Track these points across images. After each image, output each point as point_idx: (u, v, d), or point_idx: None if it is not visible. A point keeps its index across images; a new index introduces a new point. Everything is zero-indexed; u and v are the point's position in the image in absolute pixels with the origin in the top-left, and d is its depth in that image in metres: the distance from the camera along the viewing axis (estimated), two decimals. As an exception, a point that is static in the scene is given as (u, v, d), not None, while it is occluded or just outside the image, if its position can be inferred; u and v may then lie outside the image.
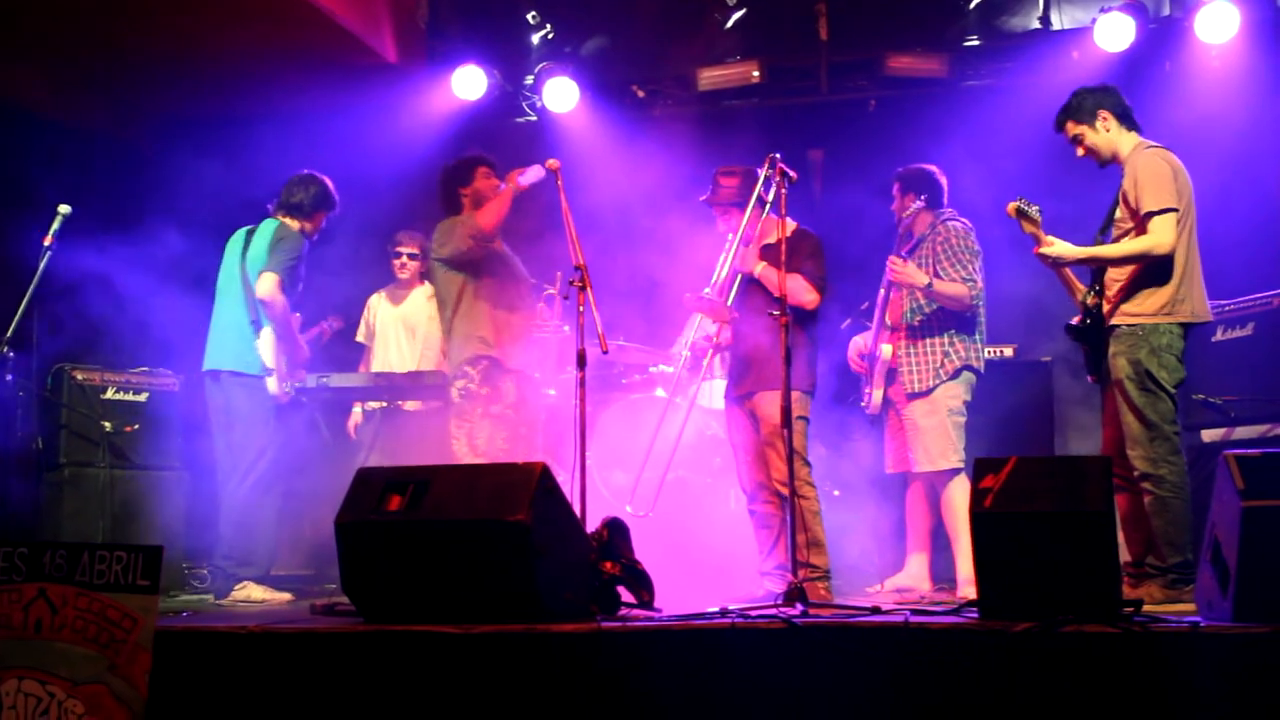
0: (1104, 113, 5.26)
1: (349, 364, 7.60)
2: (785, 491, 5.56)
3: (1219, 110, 6.94)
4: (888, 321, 6.34)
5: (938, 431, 6.10)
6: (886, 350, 6.27)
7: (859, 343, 6.55)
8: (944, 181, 6.39)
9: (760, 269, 5.77)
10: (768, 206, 5.61)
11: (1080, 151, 5.34)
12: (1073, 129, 5.31)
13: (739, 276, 5.88)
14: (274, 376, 6.27)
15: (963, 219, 6.27)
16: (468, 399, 6.28)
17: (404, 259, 7.55)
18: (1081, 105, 5.30)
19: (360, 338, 7.67)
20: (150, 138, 7.39)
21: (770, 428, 5.64)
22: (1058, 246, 5.17)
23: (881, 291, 6.35)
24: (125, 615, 3.63)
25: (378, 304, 7.68)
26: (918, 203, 6.28)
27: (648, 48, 8.42)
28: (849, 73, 8.24)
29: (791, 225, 5.83)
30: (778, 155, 5.35)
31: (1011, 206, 5.19)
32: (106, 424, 6.78)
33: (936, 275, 6.12)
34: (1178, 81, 7.30)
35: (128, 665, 3.58)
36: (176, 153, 7.40)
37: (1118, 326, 5.10)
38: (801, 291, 5.74)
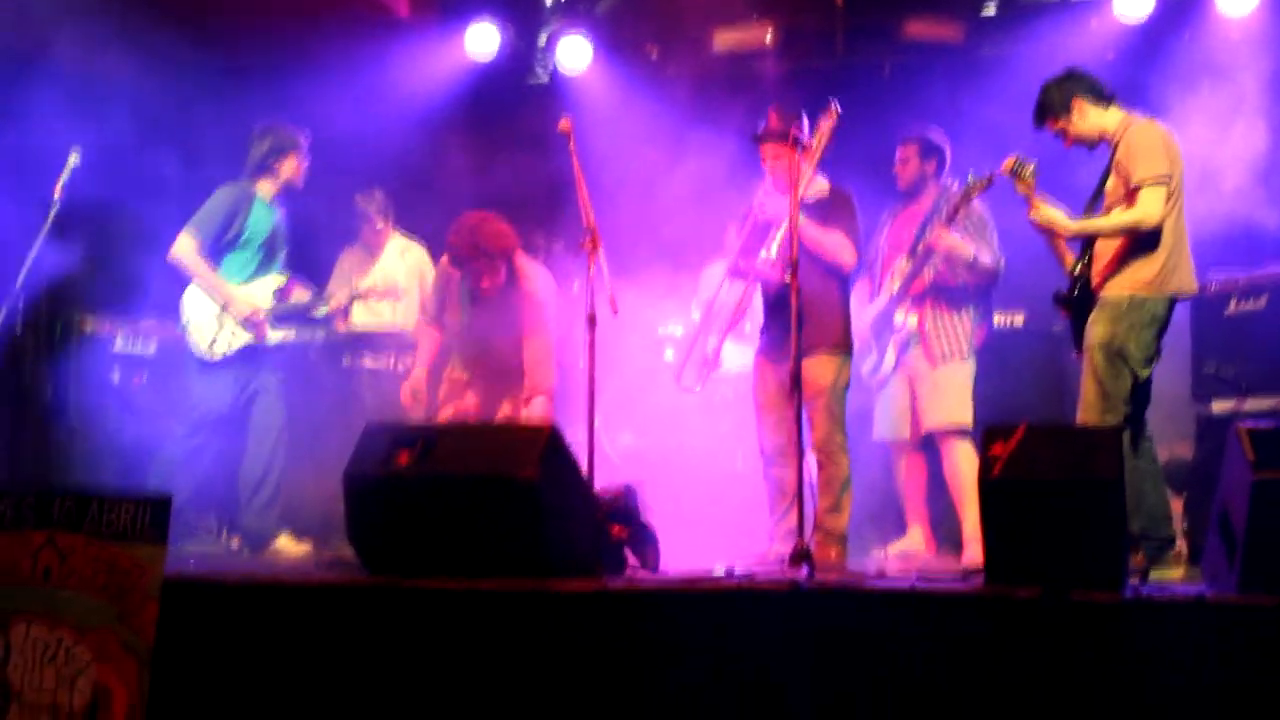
0: (1076, 100, 5.24)
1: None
2: (821, 457, 5.62)
3: (1238, 83, 6.88)
4: (907, 290, 6.29)
5: (959, 392, 6.13)
6: (912, 319, 6.25)
7: (856, 310, 6.52)
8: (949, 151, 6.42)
9: (803, 223, 5.56)
10: (818, 158, 5.49)
11: (1067, 142, 5.33)
12: (1052, 125, 5.31)
13: (779, 228, 5.74)
14: (193, 331, 6.30)
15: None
16: None
17: (373, 220, 7.50)
18: (1051, 101, 5.28)
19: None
20: (159, 89, 7.33)
21: (817, 390, 5.60)
22: (1051, 214, 5.17)
23: (904, 260, 6.30)
24: (134, 564, 3.63)
25: (348, 266, 7.62)
26: (930, 169, 6.28)
27: (662, 7, 8.34)
28: (865, 37, 8.18)
29: (825, 183, 5.81)
30: (835, 102, 5.30)
31: (1007, 164, 5.21)
32: (114, 374, 6.78)
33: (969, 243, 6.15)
34: (1197, 54, 7.24)
35: (135, 614, 3.59)
36: (186, 105, 7.35)
37: (1104, 297, 5.10)
38: (842, 249, 5.71)
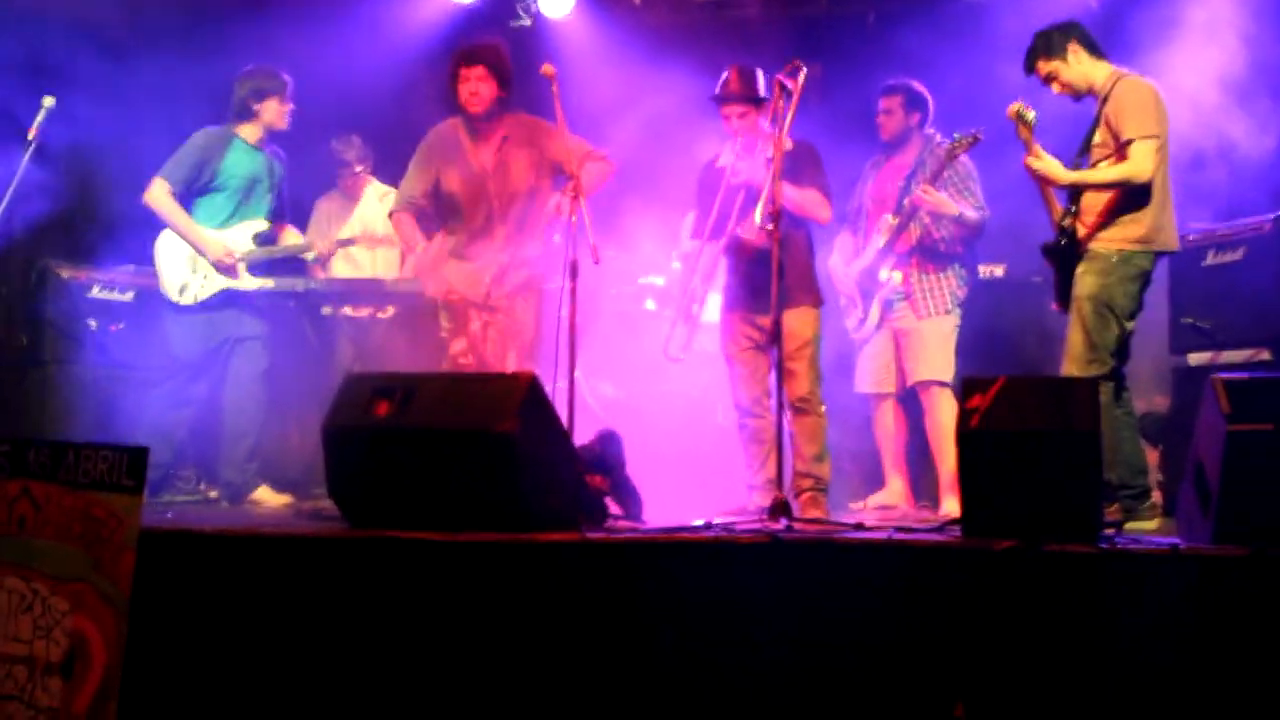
0: (1073, 45, 5.23)
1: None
2: (806, 408, 5.62)
3: (1214, 36, 6.85)
4: (893, 246, 6.28)
5: (944, 346, 6.19)
6: (897, 276, 6.25)
7: (840, 266, 6.51)
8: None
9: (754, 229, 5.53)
10: (790, 117, 5.42)
11: (1056, 88, 5.30)
12: (1044, 67, 5.28)
13: (748, 187, 5.66)
14: (165, 277, 6.30)
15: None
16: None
17: (353, 166, 7.45)
18: (1050, 42, 5.26)
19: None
20: (138, 33, 7.24)
21: (801, 341, 5.62)
22: (1047, 163, 5.16)
23: (890, 219, 6.29)
24: (110, 514, 3.61)
25: (326, 214, 7.56)
26: (915, 120, 6.28)
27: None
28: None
29: (789, 140, 5.77)
30: (799, 62, 5.24)
31: (1012, 108, 5.18)
32: (91, 322, 6.74)
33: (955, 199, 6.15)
34: (1176, 6, 7.20)
35: (111, 565, 3.57)
36: (164, 49, 7.26)
37: (1093, 250, 5.11)
38: (819, 206, 5.70)
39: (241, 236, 6.33)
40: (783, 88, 5.18)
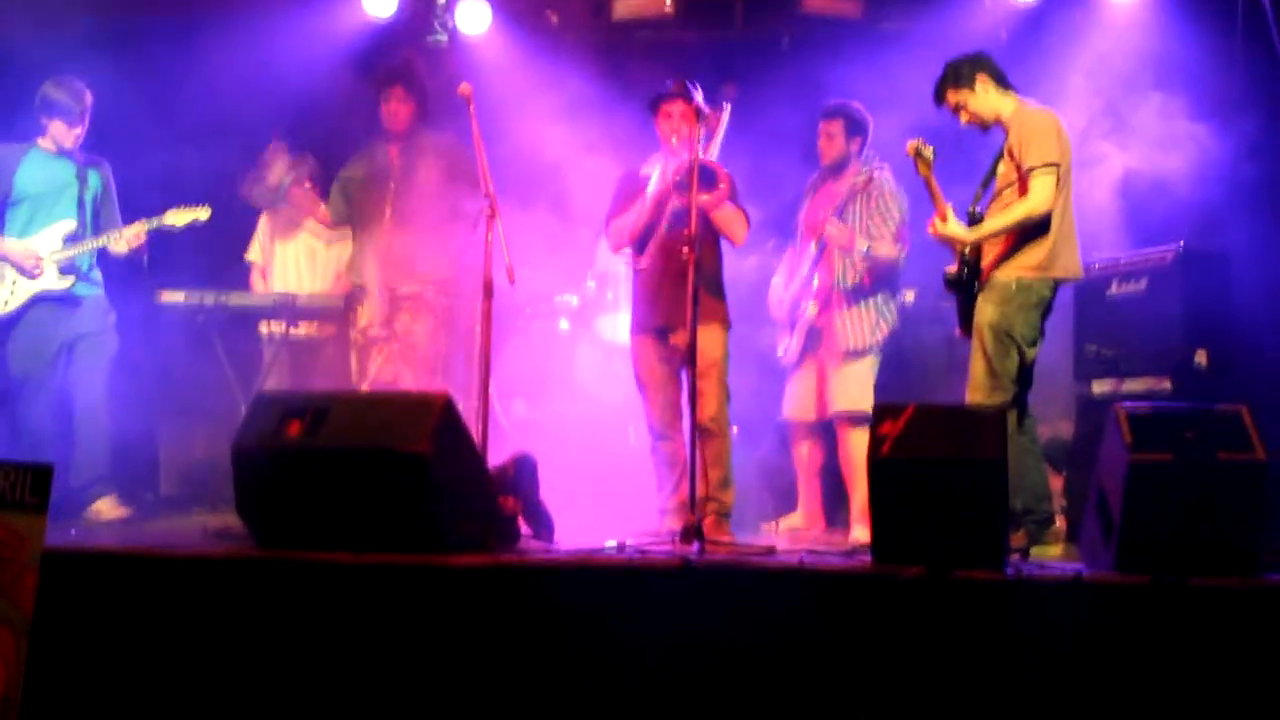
0: (982, 76, 5.33)
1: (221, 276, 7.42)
2: (714, 429, 5.55)
3: (1121, 66, 7.02)
4: (816, 278, 6.32)
5: (861, 380, 6.17)
6: (813, 309, 6.27)
7: (779, 289, 6.55)
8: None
9: (705, 199, 5.46)
10: (720, 137, 5.49)
11: (964, 118, 5.39)
12: (954, 97, 5.37)
13: (669, 205, 5.65)
14: None
15: (889, 170, 6.29)
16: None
17: (305, 183, 7.41)
18: (959, 72, 5.35)
19: (252, 256, 7.50)
20: (43, 44, 7.09)
21: (710, 362, 5.53)
22: (951, 228, 5.25)
23: (812, 248, 6.33)
24: (11, 534, 3.54)
25: (270, 228, 7.51)
26: (855, 147, 6.31)
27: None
28: (764, 9, 8.19)
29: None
30: (732, 88, 5.32)
31: (911, 145, 5.24)
32: None
33: (868, 234, 6.16)
34: (1083, 36, 7.37)
35: (13, 585, 3.49)
36: (66, 62, 7.11)
37: (993, 279, 5.21)
38: (741, 226, 5.71)
39: (48, 239, 6.16)
40: (715, 107, 5.31)
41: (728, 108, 5.66)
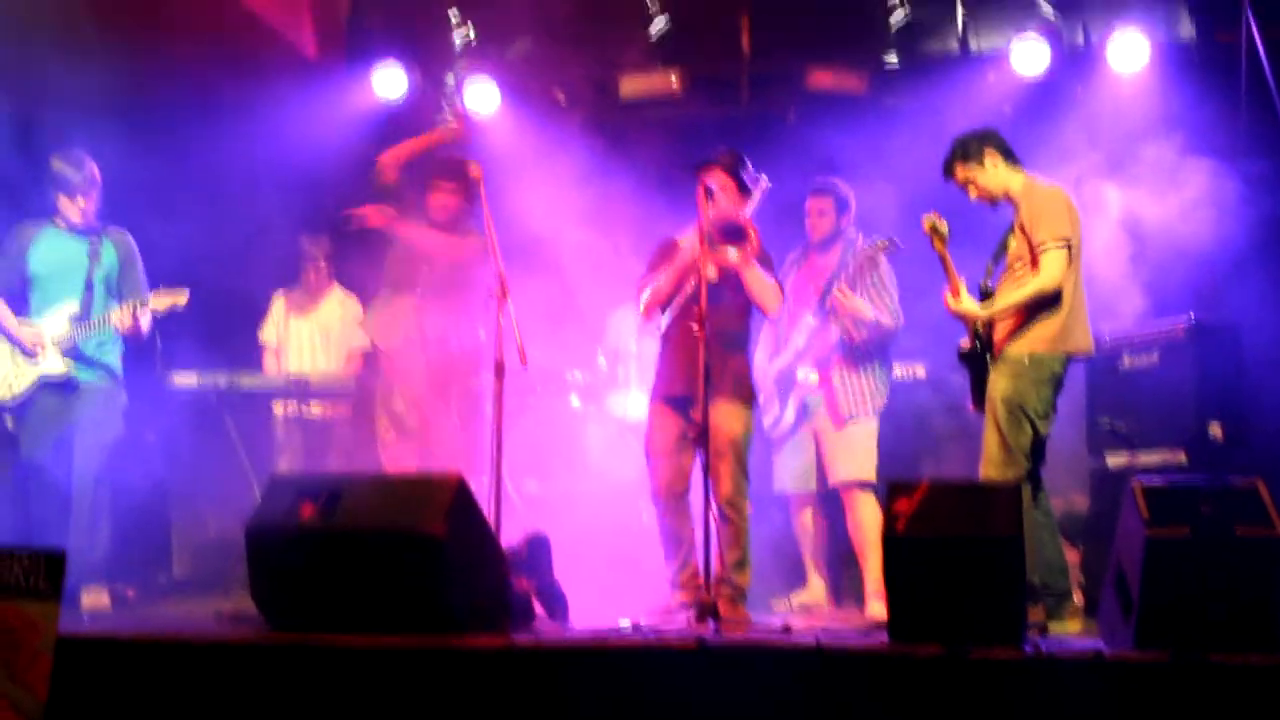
0: (990, 152, 5.37)
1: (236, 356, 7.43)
2: (730, 513, 5.41)
3: (1129, 137, 7.07)
4: (811, 347, 6.34)
5: (865, 447, 6.21)
6: (813, 376, 6.30)
7: (763, 361, 6.55)
8: None
9: (734, 254, 5.51)
10: (752, 208, 5.60)
11: (973, 194, 5.44)
12: (963, 172, 5.42)
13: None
14: None
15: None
16: None
17: (320, 263, 7.46)
18: (968, 149, 5.40)
19: (267, 338, 7.54)
20: (55, 124, 7.16)
21: (728, 439, 5.42)
22: (964, 304, 5.28)
23: (810, 319, 6.36)
24: (25, 622, 3.53)
25: (285, 307, 7.56)
26: (844, 223, 6.39)
27: (570, 54, 8.38)
28: (769, 85, 8.29)
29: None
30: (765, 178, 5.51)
31: (926, 221, 5.27)
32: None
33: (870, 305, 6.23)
34: (1090, 108, 7.43)
35: (26, 671, 3.49)
36: (75, 140, 7.18)
37: (1006, 354, 5.22)
38: (774, 297, 5.66)
39: (54, 321, 6.09)
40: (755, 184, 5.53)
41: (765, 182, 5.67)
